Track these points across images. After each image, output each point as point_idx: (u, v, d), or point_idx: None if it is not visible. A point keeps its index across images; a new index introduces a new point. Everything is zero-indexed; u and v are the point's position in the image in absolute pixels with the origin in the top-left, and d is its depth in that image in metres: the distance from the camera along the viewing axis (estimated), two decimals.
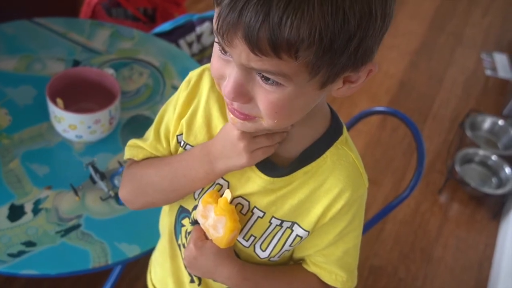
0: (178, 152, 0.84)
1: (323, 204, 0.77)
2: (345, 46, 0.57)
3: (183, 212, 0.89)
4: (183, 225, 0.90)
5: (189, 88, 0.81)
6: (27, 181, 1.24)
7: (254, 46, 0.56)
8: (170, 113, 0.84)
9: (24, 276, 1.10)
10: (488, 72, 3.24)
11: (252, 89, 0.63)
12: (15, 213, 1.18)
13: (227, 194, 0.78)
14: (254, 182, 0.78)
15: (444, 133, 2.77)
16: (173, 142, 0.84)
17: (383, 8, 0.59)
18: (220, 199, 0.78)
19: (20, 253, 1.11)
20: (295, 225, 0.80)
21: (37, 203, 1.21)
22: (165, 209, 0.96)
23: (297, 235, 0.81)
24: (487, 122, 2.72)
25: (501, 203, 2.40)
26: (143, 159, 0.88)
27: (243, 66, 0.61)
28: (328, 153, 0.77)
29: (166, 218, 0.95)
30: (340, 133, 0.79)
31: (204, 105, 0.80)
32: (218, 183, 0.81)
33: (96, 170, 1.27)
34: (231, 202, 0.80)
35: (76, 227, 1.18)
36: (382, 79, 3.00)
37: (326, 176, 0.77)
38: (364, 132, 2.60)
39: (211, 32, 2.06)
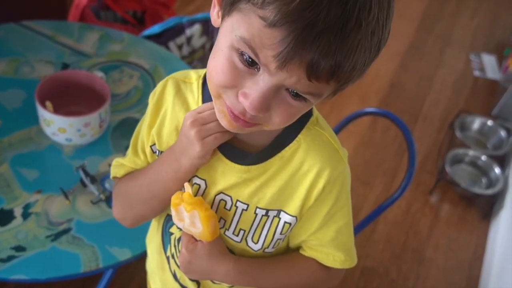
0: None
1: (305, 187, 0.78)
2: (367, 67, 0.63)
3: (170, 221, 0.89)
4: (171, 233, 0.90)
5: (154, 99, 0.83)
6: (17, 185, 1.23)
7: (313, 74, 0.58)
8: (143, 126, 0.86)
9: (13, 281, 1.09)
10: (477, 73, 3.27)
11: (274, 102, 0.63)
12: (5, 217, 1.17)
13: (187, 188, 0.79)
14: (230, 174, 0.78)
15: (434, 134, 2.78)
16: (148, 154, 0.86)
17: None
18: (184, 195, 0.78)
19: (10, 258, 1.10)
20: (281, 212, 0.80)
21: (26, 207, 1.20)
22: (154, 225, 0.97)
23: (285, 222, 0.81)
24: (476, 123, 2.74)
25: (491, 203, 2.41)
26: (125, 175, 0.90)
27: (279, 85, 0.61)
28: (300, 135, 0.78)
29: (154, 232, 0.96)
30: (310, 114, 0.79)
31: (171, 112, 0.81)
32: (196, 183, 0.81)
33: (86, 173, 1.26)
34: (212, 202, 0.81)
35: (66, 231, 1.17)
36: (372, 80, 3.01)
37: (303, 158, 0.77)
38: (354, 133, 2.61)
39: (201, 35, 2.05)
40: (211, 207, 0.81)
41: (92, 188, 1.24)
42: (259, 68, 0.61)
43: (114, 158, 1.31)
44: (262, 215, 0.81)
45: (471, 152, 2.53)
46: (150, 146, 0.85)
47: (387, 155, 2.58)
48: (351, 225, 0.86)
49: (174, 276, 0.94)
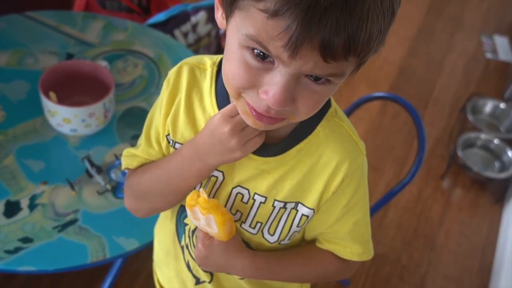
0: (170, 152, 0.84)
1: (323, 179, 0.77)
2: (386, 34, 0.60)
3: (184, 211, 0.88)
4: (186, 224, 0.89)
5: (169, 87, 0.80)
6: (22, 177, 1.23)
7: (329, 54, 0.55)
8: (157, 116, 0.83)
9: (21, 272, 1.09)
10: (489, 55, 3.21)
11: (297, 92, 0.61)
12: (11, 209, 1.17)
13: (202, 193, 0.77)
14: (248, 166, 0.77)
15: (445, 118, 2.75)
16: (164, 144, 0.84)
17: None
18: (199, 200, 0.77)
19: (17, 250, 1.10)
20: (299, 204, 0.79)
21: (33, 198, 1.19)
22: (165, 214, 0.95)
23: (302, 215, 0.80)
24: (488, 106, 2.70)
25: (504, 187, 2.38)
26: (138, 166, 0.88)
27: (298, 73, 0.59)
28: (319, 127, 0.76)
29: (168, 221, 0.94)
30: (329, 106, 0.77)
31: (185, 101, 0.79)
32: (213, 175, 0.80)
33: (92, 164, 1.25)
34: (229, 195, 0.80)
35: (73, 222, 1.17)
36: (382, 65, 2.98)
37: (322, 151, 0.76)
38: (364, 118, 2.58)
39: (207, 22, 2.03)
40: (228, 200, 0.81)
41: (98, 178, 1.23)
42: (274, 61, 0.59)
43: (119, 148, 1.32)
44: (280, 208, 0.80)
45: (483, 136, 2.50)
46: (166, 136, 0.82)
47: (397, 141, 2.55)
48: (368, 217, 0.85)
49: (188, 266, 0.93)
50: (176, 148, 0.81)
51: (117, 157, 1.29)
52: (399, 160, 2.46)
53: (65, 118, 1.26)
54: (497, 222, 2.30)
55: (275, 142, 0.76)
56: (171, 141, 0.82)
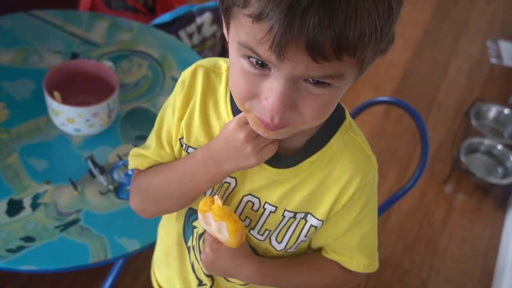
0: (182, 155, 0.83)
1: (335, 192, 0.77)
2: (388, 32, 0.58)
3: (193, 214, 0.88)
4: (194, 227, 0.89)
5: (184, 89, 0.79)
6: (26, 176, 1.23)
7: (317, 54, 0.54)
8: (169, 118, 0.82)
9: (23, 271, 1.10)
10: (494, 60, 3.21)
11: (298, 97, 0.61)
12: (14, 208, 1.17)
13: (217, 200, 0.77)
14: (261, 175, 0.77)
15: (449, 123, 2.74)
16: (176, 147, 0.83)
17: None
18: (213, 207, 0.76)
19: (19, 249, 1.10)
20: (309, 215, 0.79)
21: (35, 197, 1.19)
22: (171, 214, 0.95)
23: (311, 225, 0.80)
24: (492, 111, 2.69)
25: (507, 193, 2.38)
26: (148, 168, 0.87)
27: (292, 77, 0.58)
28: (333, 140, 0.76)
29: (173, 221, 0.94)
30: (343, 118, 0.77)
31: (200, 105, 0.78)
32: (226, 181, 0.80)
33: (95, 164, 1.25)
34: (239, 202, 0.80)
35: (75, 221, 1.17)
36: (386, 68, 2.97)
37: (334, 163, 0.76)
38: (368, 122, 2.58)
39: (212, 23, 2.03)
40: (238, 207, 0.81)
41: (101, 178, 1.23)
42: (270, 67, 0.59)
43: (123, 148, 1.32)
44: (290, 217, 0.80)
45: (486, 141, 2.49)
46: (179, 139, 0.82)
47: (400, 145, 2.55)
48: (376, 230, 0.85)
49: (192, 267, 0.93)
50: (188, 152, 0.81)
51: (121, 158, 1.29)
52: (402, 164, 2.45)
53: (69, 118, 1.27)
54: (499, 228, 2.30)
55: (290, 154, 0.76)
56: (184, 145, 0.81)
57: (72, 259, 1.11)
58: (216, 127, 0.78)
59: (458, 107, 2.83)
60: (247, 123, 0.70)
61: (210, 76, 0.78)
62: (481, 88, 2.99)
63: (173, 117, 0.81)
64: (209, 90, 0.78)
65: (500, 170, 2.45)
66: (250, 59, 0.60)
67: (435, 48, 3.23)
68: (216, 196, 0.78)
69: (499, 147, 2.47)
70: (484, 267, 2.14)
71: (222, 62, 0.79)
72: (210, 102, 0.78)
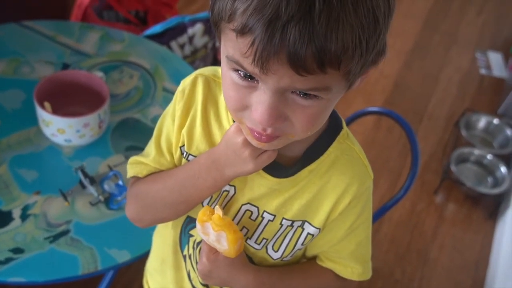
0: (182, 163, 0.83)
1: (331, 200, 0.77)
2: (375, 44, 0.58)
3: (190, 223, 0.88)
4: (191, 236, 0.89)
5: (184, 98, 0.79)
6: (15, 187, 1.22)
7: (300, 67, 0.55)
8: (169, 125, 0.82)
9: (11, 283, 1.08)
10: (483, 71, 3.24)
11: (286, 108, 0.61)
12: (3, 219, 1.16)
13: (218, 210, 0.77)
14: (261, 184, 0.77)
15: (439, 133, 2.76)
16: (176, 154, 0.83)
17: None
18: (213, 217, 0.77)
19: (8, 260, 1.09)
20: (306, 223, 0.80)
21: (25, 208, 1.19)
22: (167, 223, 0.95)
23: (308, 233, 0.80)
24: (482, 121, 2.71)
25: (497, 203, 2.39)
26: (147, 175, 0.87)
27: (278, 89, 0.59)
28: (331, 149, 0.77)
29: (169, 229, 0.94)
30: (340, 128, 0.78)
31: (201, 114, 0.79)
32: (225, 190, 0.80)
33: (85, 174, 1.25)
34: (238, 211, 0.80)
35: (65, 232, 1.16)
36: (377, 79, 2.99)
37: (332, 172, 0.77)
38: (359, 132, 2.59)
39: (203, 34, 2.04)
40: (236, 216, 0.81)
41: (91, 189, 1.23)
42: (258, 80, 0.60)
43: (113, 159, 1.32)
44: (287, 226, 0.80)
45: (476, 151, 2.51)
46: (180, 147, 0.82)
47: (391, 155, 2.56)
48: (370, 238, 0.86)
49: (188, 276, 0.93)
50: (189, 160, 0.81)
51: (111, 168, 1.29)
52: (394, 173, 2.46)
53: (59, 128, 1.26)
54: (490, 238, 2.31)
55: (289, 163, 0.76)
56: (184, 153, 0.81)
57: (62, 271, 1.10)
58: (217, 136, 0.79)
59: (449, 117, 2.85)
60: None
61: (211, 85, 0.79)
62: (471, 99, 3.02)
63: (173, 125, 0.81)
64: (210, 98, 0.79)
65: (490, 179, 2.47)
66: (239, 72, 0.60)
67: (425, 59, 3.25)
68: (217, 206, 0.78)
69: (489, 157, 2.48)
70: (475, 277, 2.15)
71: (221, 71, 0.80)
72: (211, 111, 0.79)
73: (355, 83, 0.65)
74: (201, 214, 0.78)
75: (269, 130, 0.63)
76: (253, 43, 0.55)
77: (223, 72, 0.64)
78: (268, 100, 0.60)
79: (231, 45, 0.58)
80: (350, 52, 0.55)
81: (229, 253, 0.79)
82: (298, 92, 0.60)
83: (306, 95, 0.60)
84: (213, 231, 0.77)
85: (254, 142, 0.67)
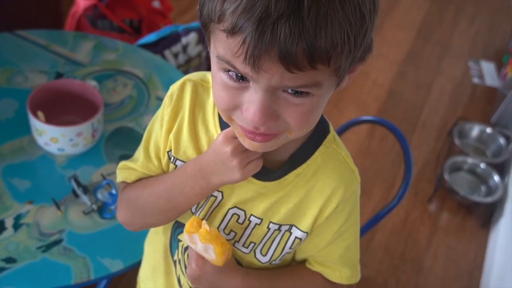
0: (170, 168, 0.83)
1: (318, 205, 0.78)
2: (362, 40, 0.59)
3: (179, 227, 0.88)
4: (179, 240, 0.89)
5: (172, 103, 0.80)
6: (8, 196, 1.22)
7: (291, 64, 0.55)
8: (157, 131, 0.83)
9: None
10: (476, 80, 3.26)
11: (278, 106, 0.62)
12: None
13: (205, 225, 0.77)
14: (247, 188, 0.78)
15: (432, 142, 2.77)
16: (164, 159, 0.83)
17: None
18: (200, 231, 0.77)
19: (0, 270, 1.08)
20: (293, 227, 0.80)
21: (18, 218, 1.18)
22: (157, 228, 0.95)
23: (296, 237, 0.81)
24: (475, 130, 2.73)
25: (490, 211, 2.40)
26: (136, 181, 0.87)
27: (269, 88, 0.59)
28: (317, 153, 0.77)
29: (160, 235, 0.94)
30: (327, 132, 0.79)
31: (188, 118, 0.79)
32: (213, 195, 0.81)
33: (78, 183, 1.24)
34: (225, 215, 0.80)
35: (58, 242, 1.16)
36: (370, 88, 3.00)
37: (318, 176, 0.77)
38: (352, 141, 2.60)
39: (197, 43, 2.05)
40: (223, 220, 0.81)
41: (85, 198, 1.23)
42: (249, 80, 0.60)
43: (107, 168, 1.32)
44: (274, 230, 0.80)
45: (470, 160, 2.52)
46: (167, 152, 0.82)
47: (385, 163, 2.56)
48: (358, 242, 0.86)
49: (179, 281, 0.93)
50: (176, 165, 0.82)
51: (104, 177, 1.28)
52: (387, 182, 2.47)
53: (53, 137, 1.26)
54: (483, 246, 2.31)
55: (275, 167, 0.77)
56: (172, 158, 0.82)
57: (54, 280, 1.10)
58: (204, 140, 0.79)
59: (442, 126, 2.87)
60: (235, 137, 0.71)
61: (198, 90, 0.80)
62: (464, 108, 3.04)
63: (161, 130, 0.82)
64: (197, 103, 0.79)
65: (483, 188, 2.48)
66: (230, 73, 0.61)
67: (418, 69, 3.27)
68: (203, 221, 0.78)
69: (482, 165, 2.49)
70: (469, 286, 2.15)
71: (210, 76, 0.81)
72: (199, 116, 0.79)
73: (344, 81, 0.66)
74: (188, 226, 0.78)
75: (262, 129, 0.63)
76: (244, 41, 0.55)
77: (213, 73, 0.65)
78: (260, 99, 0.60)
79: (222, 46, 0.59)
80: (339, 48, 0.56)
81: (217, 263, 0.79)
82: (289, 91, 0.60)
83: (297, 93, 0.60)
84: (201, 242, 0.78)
85: (247, 143, 0.67)
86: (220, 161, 0.73)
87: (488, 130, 2.70)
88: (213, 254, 0.78)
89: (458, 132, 2.66)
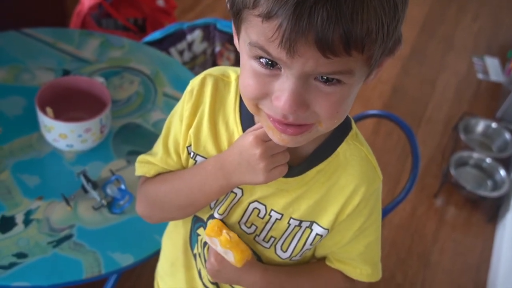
0: (189, 163, 0.83)
1: (340, 202, 0.77)
2: (394, 30, 0.59)
3: (198, 222, 0.88)
4: (199, 235, 0.90)
5: (193, 98, 0.79)
6: (18, 192, 1.22)
7: (327, 48, 0.55)
8: (177, 126, 0.82)
9: None
10: (480, 76, 3.25)
11: (309, 95, 0.61)
12: (6, 224, 1.16)
13: (225, 234, 0.78)
14: (268, 185, 0.77)
15: (438, 137, 2.77)
16: (184, 155, 0.83)
17: None
18: (221, 238, 0.78)
19: (12, 265, 1.09)
20: (314, 224, 0.80)
21: (28, 214, 1.19)
22: (177, 222, 0.95)
23: (317, 234, 0.80)
24: (480, 125, 2.73)
25: (496, 206, 2.39)
26: (155, 175, 0.87)
27: (302, 75, 0.59)
28: (339, 149, 0.77)
29: (179, 229, 0.94)
30: (350, 128, 0.78)
31: (208, 114, 0.79)
32: (233, 192, 0.80)
33: (88, 179, 1.25)
34: (246, 210, 0.81)
35: (68, 237, 1.16)
36: (375, 84, 3.00)
37: (340, 173, 0.77)
38: None
39: (202, 40, 2.05)
40: (244, 214, 0.81)
41: (94, 194, 1.23)
42: (281, 67, 0.60)
43: (115, 163, 1.32)
44: (295, 226, 0.80)
45: (475, 155, 2.52)
46: (187, 147, 0.82)
47: (390, 159, 2.56)
48: (379, 240, 0.85)
49: (199, 274, 0.94)
50: (196, 160, 0.81)
51: (113, 173, 1.29)
52: (393, 178, 2.47)
53: (61, 134, 1.27)
54: (490, 241, 2.31)
55: (296, 163, 0.76)
56: (192, 153, 0.81)
57: (65, 275, 1.10)
58: (223, 136, 0.79)
59: (447, 121, 2.87)
60: (266, 140, 0.70)
61: (219, 85, 0.79)
62: (468, 103, 3.03)
63: (180, 125, 0.81)
64: (217, 99, 0.79)
65: (489, 183, 2.47)
66: (261, 60, 0.61)
67: (422, 65, 3.27)
68: (224, 231, 0.79)
69: (488, 160, 2.49)
70: (476, 280, 2.15)
71: (231, 71, 0.80)
72: (219, 112, 0.79)
73: (372, 75, 0.65)
74: (209, 230, 0.79)
75: (291, 118, 0.63)
76: (280, 26, 0.55)
77: (243, 62, 0.65)
78: (292, 86, 0.60)
79: (255, 31, 0.58)
80: (373, 34, 0.56)
81: (236, 265, 0.80)
82: (321, 79, 0.60)
83: (328, 80, 0.60)
84: (221, 247, 0.78)
85: (276, 137, 0.66)
86: (246, 161, 0.72)
87: (494, 125, 2.70)
88: (233, 259, 0.79)
89: (464, 127, 2.66)
